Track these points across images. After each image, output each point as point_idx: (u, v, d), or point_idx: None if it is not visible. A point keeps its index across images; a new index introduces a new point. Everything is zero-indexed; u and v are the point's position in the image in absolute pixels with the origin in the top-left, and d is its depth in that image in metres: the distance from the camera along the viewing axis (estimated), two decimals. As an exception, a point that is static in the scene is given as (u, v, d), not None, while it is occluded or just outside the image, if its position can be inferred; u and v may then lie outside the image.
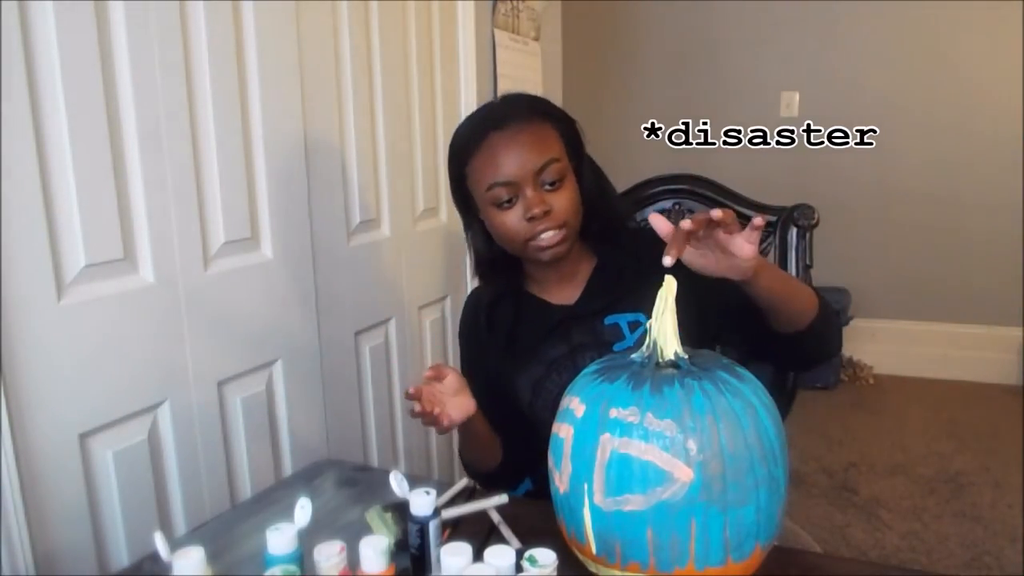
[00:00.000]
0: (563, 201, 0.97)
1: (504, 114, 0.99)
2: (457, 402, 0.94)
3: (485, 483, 1.02)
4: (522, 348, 1.06)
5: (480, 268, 1.10)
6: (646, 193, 1.43)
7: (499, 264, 1.08)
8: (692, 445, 0.64)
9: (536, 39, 2.28)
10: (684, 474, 0.64)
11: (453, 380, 0.95)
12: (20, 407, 0.92)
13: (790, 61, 3.51)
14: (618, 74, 3.80)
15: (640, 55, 3.75)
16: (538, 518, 0.86)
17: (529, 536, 0.79)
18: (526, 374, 1.05)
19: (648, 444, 0.65)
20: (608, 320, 1.02)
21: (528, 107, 1.01)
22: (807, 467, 2.58)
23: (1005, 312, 3.27)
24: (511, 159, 0.95)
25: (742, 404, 0.68)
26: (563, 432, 0.72)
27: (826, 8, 3.39)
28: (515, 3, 2.13)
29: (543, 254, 0.98)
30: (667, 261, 0.71)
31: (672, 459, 0.64)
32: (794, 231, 1.30)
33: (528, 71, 2.23)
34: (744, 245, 0.77)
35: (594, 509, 0.67)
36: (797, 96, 3.51)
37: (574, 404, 0.72)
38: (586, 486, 0.67)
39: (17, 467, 0.91)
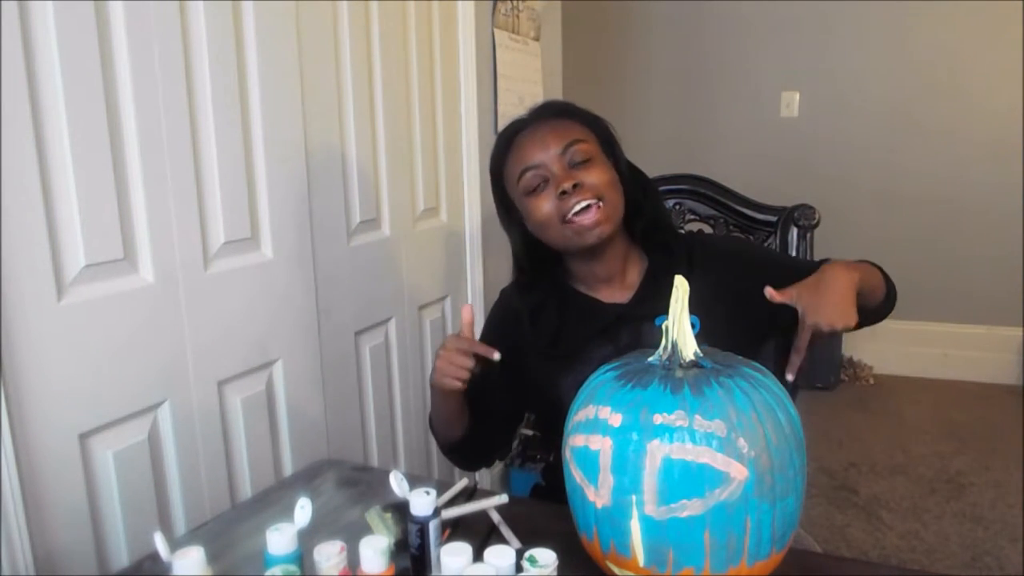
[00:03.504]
0: (594, 176, 0.97)
1: (528, 118, 1.04)
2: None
3: (456, 454, 1.17)
4: (568, 348, 1.04)
5: (521, 279, 1.10)
6: (646, 193, 1.43)
7: (540, 270, 1.08)
8: (743, 443, 0.64)
9: (536, 39, 2.28)
10: (740, 472, 0.64)
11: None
12: (20, 407, 0.92)
13: (790, 61, 3.51)
14: (618, 74, 3.80)
15: (640, 55, 3.75)
16: (538, 518, 0.86)
17: (529, 536, 0.79)
18: (572, 375, 1.02)
19: (702, 447, 0.64)
20: (659, 321, 1.02)
21: (552, 109, 1.05)
22: (807, 467, 2.57)
23: (1005, 312, 3.27)
24: (536, 147, 0.99)
25: (773, 398, 0.69)
26: (596, 444, 0.69)
27: (826, 8, 3.40)
28: (515, 3, 2.13)
29: (585, 236, 0.97)
30: (789, 378, 0.86)
31: (727, 459, 0.64)
32: (795, 231, 1.30)
33: (528, 71, 2.23)
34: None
35: (645, 520, 0.66)
36: (797, 96, 3.51)
37: (605, 413, 0.69)
38: (634, 497, 0.66)
39: (17, 467, 0.91)
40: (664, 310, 0.98)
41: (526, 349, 1.09)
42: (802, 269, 1.13)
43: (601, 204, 0.97)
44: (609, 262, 1.04)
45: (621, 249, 1.05)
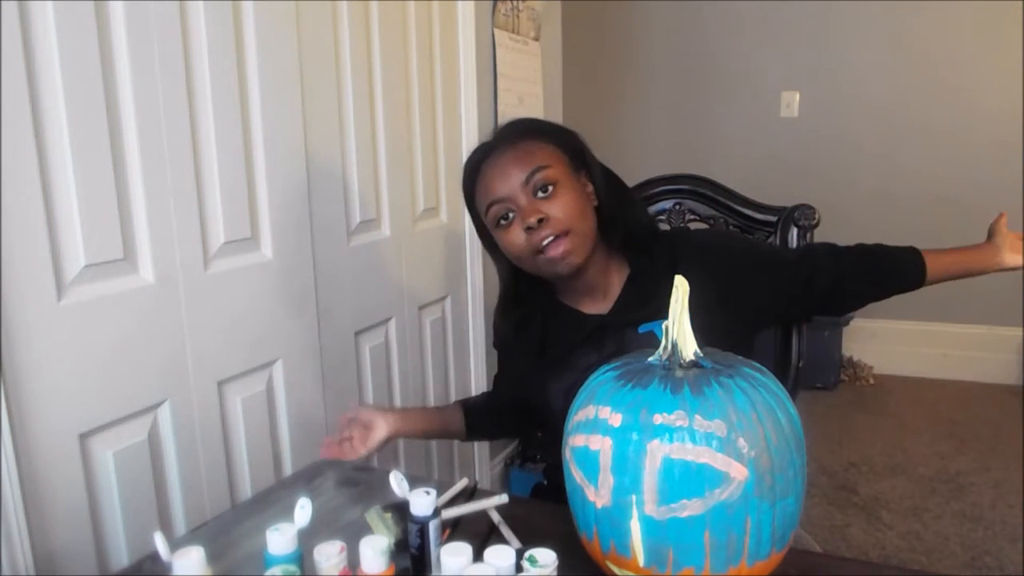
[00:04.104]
0: (560, 206, 0.94)
1: (494, 142, 1.01)
2: (366, 435, 1.08)
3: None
4: (554, 357, 1.04)
5: (506, 301, 1.10)
6: (647, 193, 1.43)
7: (526, 290, 1.07)
8: (743, 443, 0.64)
9: (536, 39, 2.28)
10: (740, 473, 0.64)
11: (364, 415, 1.09)
12: (20, 407, 0.92)
13: (790, 61, 3.51)
14: (618, 74, 3.80)
15: (640, 55, 3.75)
16: (538, 518, 0.86)
17: (529, 536, 0.79)
18: (559, 383, 1.03)
19: (702, 447, 0.64)
20: (643, 328, 1.01)
21: (515, 130, 1.01)
22: (807, 467, 2.57)
23: (1005, 312, 3.27)
24: (498, 178, 0.96)
25: (773, 398, 0.69)
26: (596, 444, 0.68)
27: (826, 8, 3.40)
28: (515, 3, 2.13)
29: (559, 266, 0.96)
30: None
31: (727, 459, 0.64)
32: (795, 231, 1.30)
33: (528, 71, 2.23)
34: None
35: (645, 519, 0.65)
36: (797, 96, 3.51)
37: (605, 413, 0.69)
38: (634, 497, 0.66)
39: (17, 467, 0.91)
40: (645, 317, 0.99)
41: (518, 357, 1.11)
42: (783, 257, 1.18)
43: (569, 234, 0.95)
44: (590, 279, 1.03)
45: (600, 264, 1.03)
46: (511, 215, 0.96)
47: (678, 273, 0.75)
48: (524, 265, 1.00)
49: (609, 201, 1.02)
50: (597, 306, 1.05)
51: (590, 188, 1.01)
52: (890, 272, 1.13)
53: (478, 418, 1.18)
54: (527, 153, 0.97)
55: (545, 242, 0.94)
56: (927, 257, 1.14)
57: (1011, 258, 1.15)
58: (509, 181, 0.95)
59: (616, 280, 1.05)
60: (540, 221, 0.93)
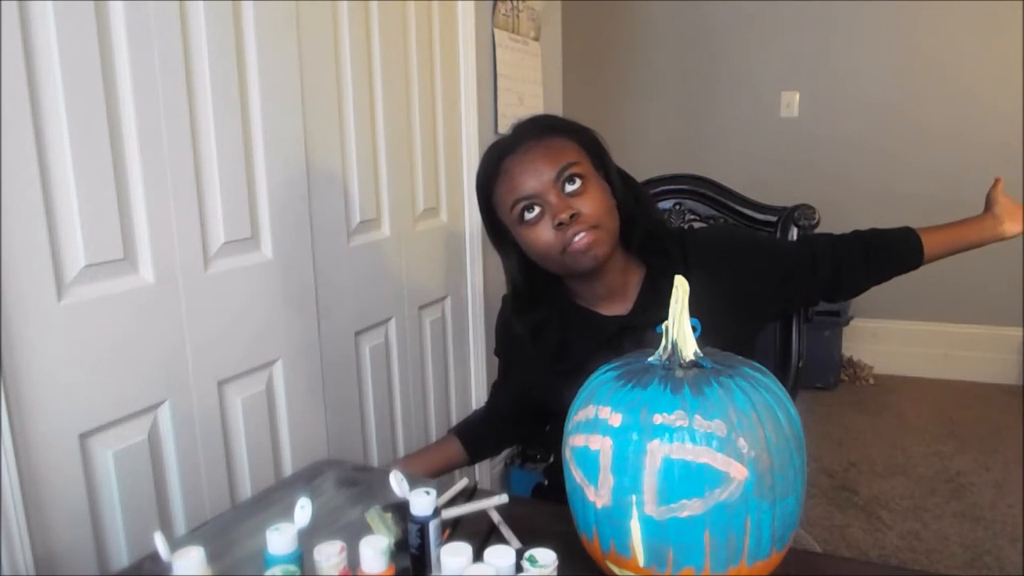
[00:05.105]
0: (590, 202, 0.94)
1: (515, 138, 0.99)
2: None
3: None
4: (571, 363, 1.03)
5: (518, 303, 1.08)
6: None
7: (538, 294, 1.06)
8: (743, 443, 0.64)
9: (536, 39, 2.28)
10: (740, 472, 0.64)
11: None
12: (20, 407, 0.92)
13: (790, 61, 3.51)
14: (618, 74, 3.80)
15: (640, 55, 3.76)
16: (538, 518, 0.86)
17: (529, 536, 0.79)
18: (574, 388, 1.03)
19: (701, 447, 0.64)
20: (660, 328, 1.01)
21: (538, 126, 1.00)
22: (807, 467, 2.57)
23: (1005, 312, 3.27)
24: (527, 174, 0.95)
25: (773, 398, 0.69)
26: (596, 444, 0.68)
27: (826, 8, 3.40)
28: (515, 3, 2.13)
29: (583, 259, 0.95)
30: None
31: (727, 459, 0.64)
32: (795, 231, 1.30)
33: (528, 71, 2.23)
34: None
35: (645, 520, 0.66)
36: (797, 96, 3.51)
37: (605, 413, 0.69)
38: (634, 497, 0.66)
39: (17, 467, 0.91)
40: (665, 317, 0.98)
41: (529, 364, 1.09)
42: (785, 245, 1.19)
43: (597, 229, 0.94)
44: (609, 280, 1.03)
45: (619, 264, 1.03)
46: (536, 211, 0.95)
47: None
48: (548, 263, 0.98)
49: (626, 200, 1.02)
50: (615, 308, 1.05)
51: (607, 187, 1.01)
52: (888, 257, 1.13)
53: (477, 442, 1.18)
54: (556, 150, 0.96)
55: (577, 238, 0.93)
56: (924, 236, 1.13)
57: (1012, 227, 1.14)
58: (540, 177, 0.94)
59: (633, 280, 1.05)
60: (572, 217, 0.93)
